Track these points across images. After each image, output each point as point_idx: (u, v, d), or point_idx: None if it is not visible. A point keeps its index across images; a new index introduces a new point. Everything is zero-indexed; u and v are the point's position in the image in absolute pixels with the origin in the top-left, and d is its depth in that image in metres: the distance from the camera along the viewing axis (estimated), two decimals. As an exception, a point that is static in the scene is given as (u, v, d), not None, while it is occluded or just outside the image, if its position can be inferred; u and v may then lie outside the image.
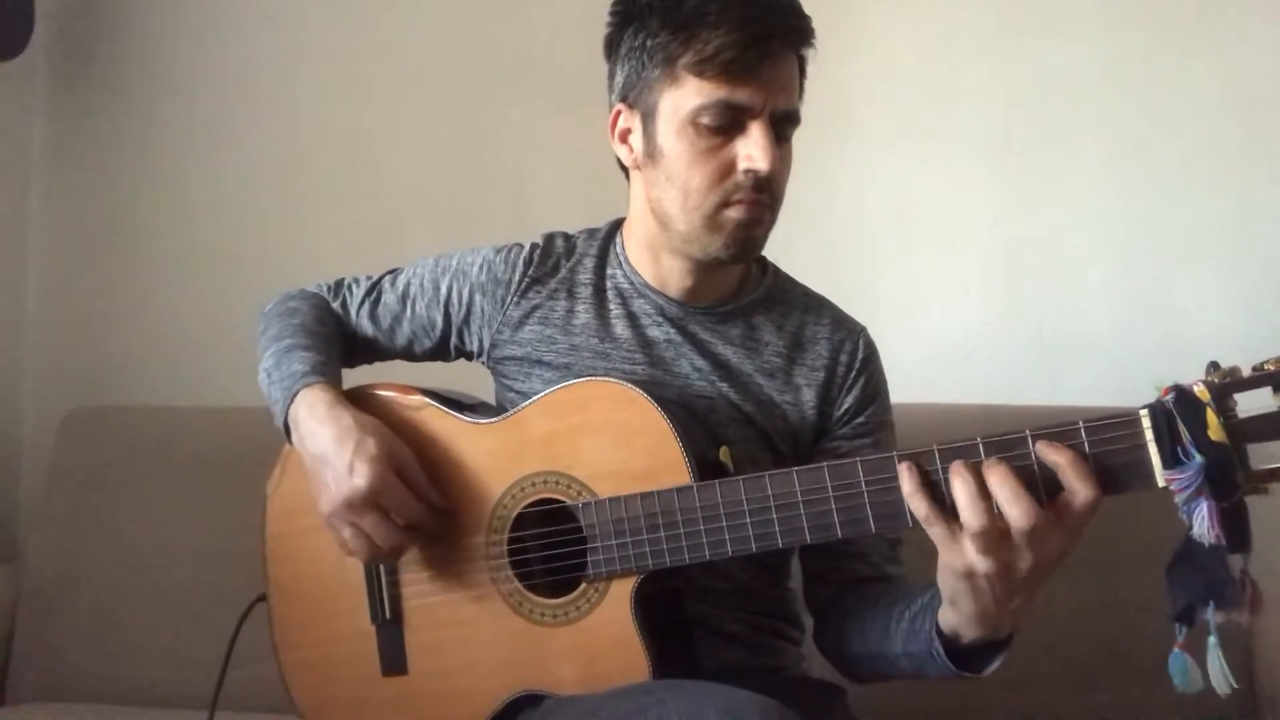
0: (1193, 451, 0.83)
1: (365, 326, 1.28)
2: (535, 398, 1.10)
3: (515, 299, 1.21)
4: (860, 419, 1.20)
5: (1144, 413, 0.86)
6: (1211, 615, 0.85)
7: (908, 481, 0.90)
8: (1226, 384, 0.84)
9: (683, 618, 1.09)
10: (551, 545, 1.07)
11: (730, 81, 1.05)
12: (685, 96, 1.07)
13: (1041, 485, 0.87)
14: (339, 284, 1.31)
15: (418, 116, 2.15)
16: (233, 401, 1.85)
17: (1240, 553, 0.84)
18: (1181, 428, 0.84)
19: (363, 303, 1.28)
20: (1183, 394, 0.84)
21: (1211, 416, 0.83)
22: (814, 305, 1.23)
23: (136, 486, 1.88)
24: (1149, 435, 0.85)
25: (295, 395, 1.13)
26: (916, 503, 0.89)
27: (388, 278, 1.29)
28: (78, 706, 1.75)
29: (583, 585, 1.05)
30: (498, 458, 1.10)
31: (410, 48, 2.15)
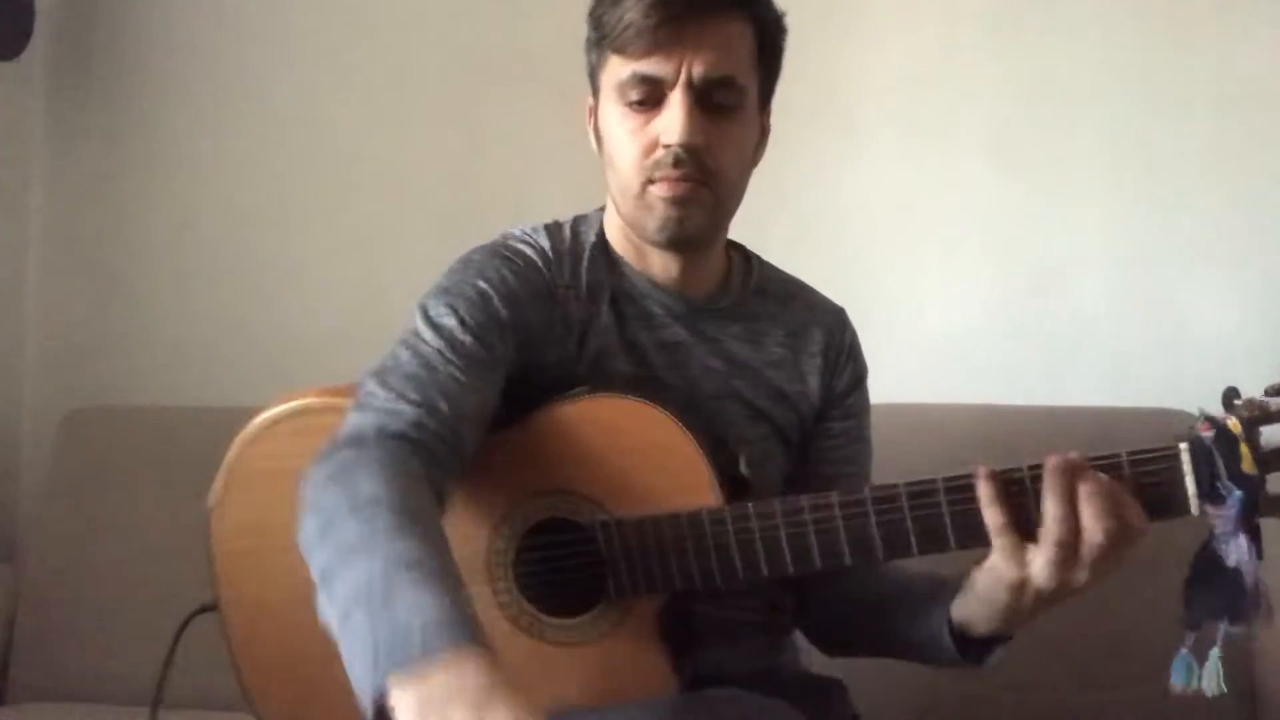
0: (1230, 486, 0.88)
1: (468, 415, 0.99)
2: (546, 410, 1.04)
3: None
4: (850, 400, 1.20)
5: (1183, 446, 0.90)
6: (1225, 628, 0.90)
7: (987, 490, 0.91)
8: (1255, 416, 0.89)
9: (692, 623, 1.06)
10: (562, 565, 1.03)
11: (639, 53, 1.02)
12: (611, 75, 1.06)
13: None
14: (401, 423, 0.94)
15: (417, 116, 2.14)
16: (233, 401, 1.85)
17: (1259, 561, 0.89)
18: (1219, 462, 0.88)
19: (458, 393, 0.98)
20: (1221, 431, 0.89)
21: (1245, 451, 0.88)
22: (796, 290, 1.22)
23: (136, 486, 1.88)
24: (1187, 468, 0.89)
25: (433, 663, 0.71)
26: (994, 512, 0.91)
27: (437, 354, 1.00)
28: (78, 706, 1.75)
29: (601, 605, 1.02)
30: (503, 473, 1.04)
31: (410, 48, 2.15)
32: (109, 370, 2.19)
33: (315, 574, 0.83)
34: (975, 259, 1.93)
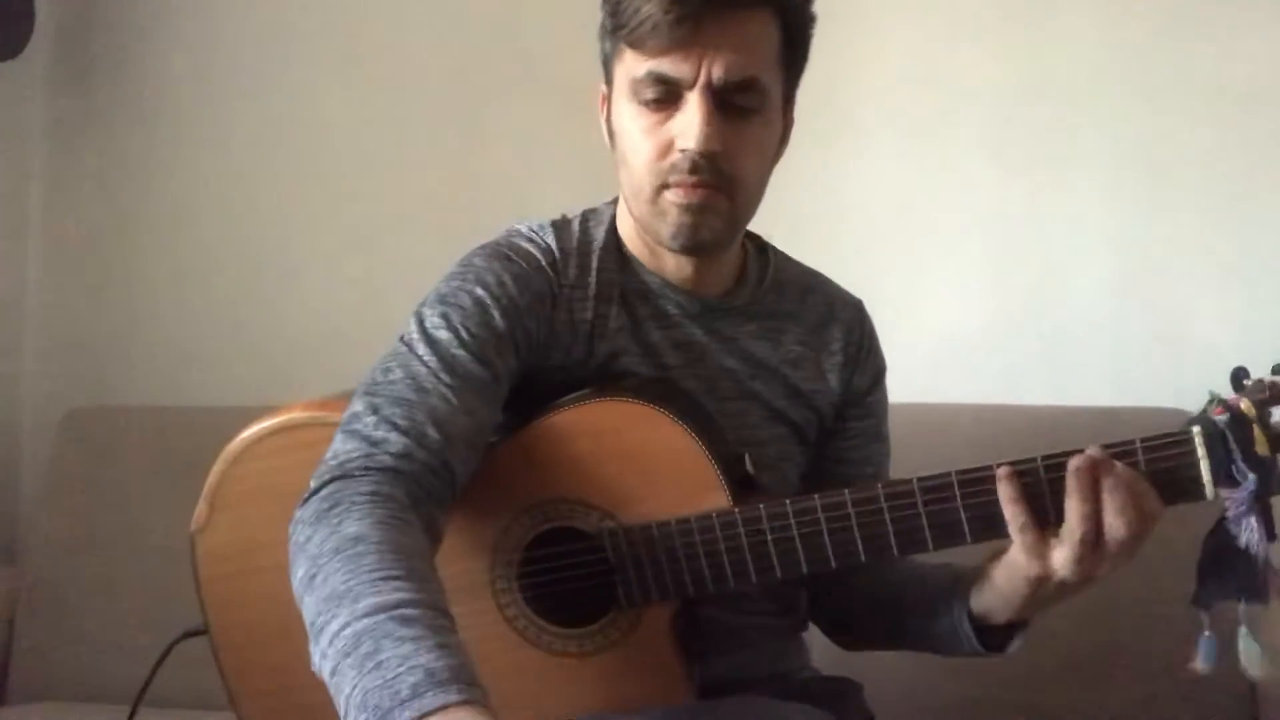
0: (1244, 469, 0.88)
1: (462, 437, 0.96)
2: (548, 416, 1.01)
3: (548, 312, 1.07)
4: (870, 398, 1.18)
5: (1196, 431, 0.90)
6: (1242, 608, 0.91)
7: (1008, 490, 0.91)
8: (1267, 398, 0.89)
9: (704, 629, 1.05)
10: (569, 575, 1.01)
11: (656, 50, 0.96)
12: (626, 70, 1.00)
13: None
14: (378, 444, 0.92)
15: (417, 116, 2.14)
16: (233, 401, 1.85)
17: (1271, 542, 0.90)
18: (1233, 445, 0.88)
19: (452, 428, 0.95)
20: (1235, 413, 0.89)
21: (1259, 433, 0.88)
22: (815, 283, 1.19)
23: (136, 486, 1.88)
24: (1201, 452, 0.89)
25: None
26: (1015, 511, 0.91)
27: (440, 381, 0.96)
28: (78, 706, 1.75)
29: (610, 614, 1.00)
30: (505, 482, 1.01)
31: (410, 48, 2.15)
32: (109, 370, 2.19)
33: (307, 624, 0.81)
34: (975, 259, 1.93)
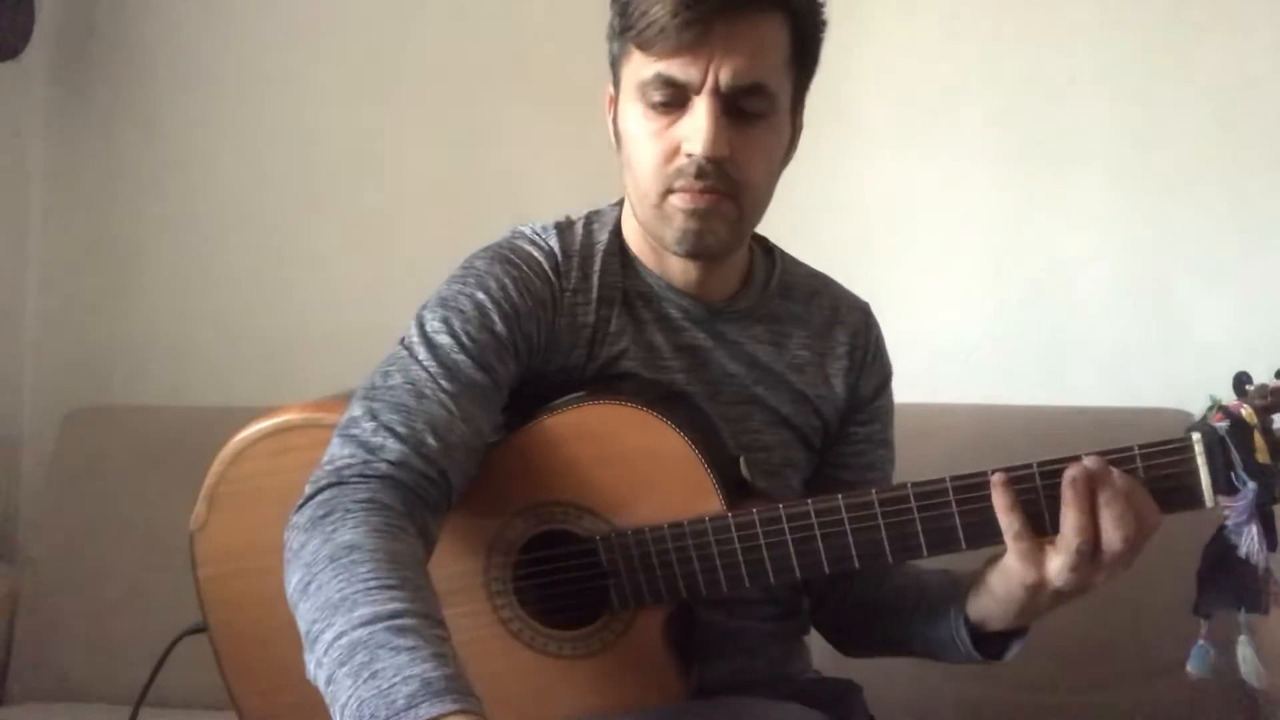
0: (1244, 477, 0.87)
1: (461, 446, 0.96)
2: (542, 419, 1.00)
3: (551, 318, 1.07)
4: (877, 402, 1.17)
5: (1196, 438, 0.88)
6: (1242, 617, 0.91)
7: (1003, 498, 0.90)
8: (1269, 404, 0.87)
9: (699, 631, 1.05)
10: (562, 578, 1.01)
11: (664, 53, 0.95)
12: (633, 72, 0.99)
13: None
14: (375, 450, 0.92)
15: (417, 116, 2.14)
16: (233, 401, 1.85)
17: (1271, 551, 0.89)
18: (1234, 453, 0.87)
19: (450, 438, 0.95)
20: (1236, 420, 0.87)
21: (1259, 439, 0.86)
22: (821, 286, 1.18)
23: (136, 486, 1.88)
24: (1201, 460, 0.88)
25: None
26: (1010, 519, 0.90)
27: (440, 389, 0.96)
28: (78, 706, 1.75)
29: (604, 617, 1.00)
30: (500, 485, 1.01)
31: (410, 47, 2.15)
32: (109, 370, 2.19)
33: (301, 631, 0.81)
34: (975, 259, 1.93)
